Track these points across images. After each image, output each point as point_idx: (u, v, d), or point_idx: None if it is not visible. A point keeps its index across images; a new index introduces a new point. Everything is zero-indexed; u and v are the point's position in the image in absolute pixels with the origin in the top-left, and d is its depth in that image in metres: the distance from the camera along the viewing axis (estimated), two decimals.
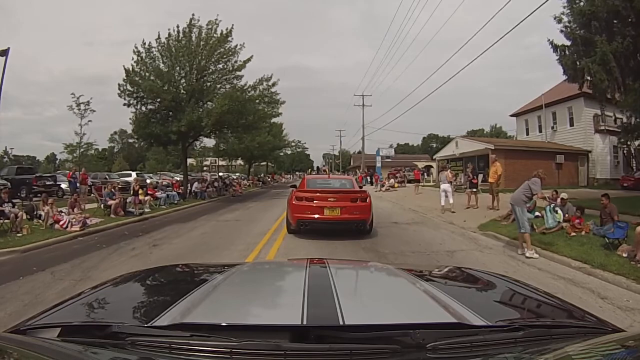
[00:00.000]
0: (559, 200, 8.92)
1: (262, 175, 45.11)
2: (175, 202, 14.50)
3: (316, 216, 7.36)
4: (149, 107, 17.52)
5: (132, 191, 12.27)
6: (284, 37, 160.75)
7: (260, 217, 11.11)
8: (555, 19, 11.28)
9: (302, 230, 7.54)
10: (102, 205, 11.60)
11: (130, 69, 17.04)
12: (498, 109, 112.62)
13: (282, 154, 51.45)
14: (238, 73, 16.59)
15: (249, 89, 16.69)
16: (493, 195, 11.21)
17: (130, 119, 17.53)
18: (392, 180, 21.91)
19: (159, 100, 16.40)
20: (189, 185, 18.29)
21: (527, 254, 6.00)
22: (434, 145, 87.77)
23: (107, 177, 27.27)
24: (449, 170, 16.15)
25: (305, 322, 0.87)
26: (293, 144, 48.05)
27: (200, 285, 1.21)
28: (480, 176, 17.10)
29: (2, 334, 0.93)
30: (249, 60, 17.34)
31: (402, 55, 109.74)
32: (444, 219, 9.94)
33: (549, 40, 10.27)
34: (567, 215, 7.93)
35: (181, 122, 15.06)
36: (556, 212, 7.46)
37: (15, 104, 72.72)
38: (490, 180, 11.24)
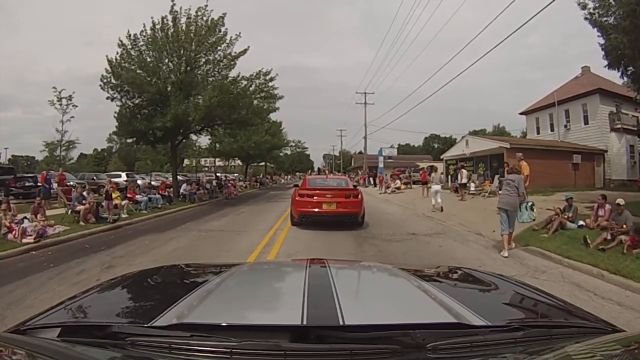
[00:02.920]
0: (607, 206, 7.46)
1: (260, 175, 43.17)
2: (159, 206, 12.94)
3: (316, 210, 8.31)
4: (134, 101, 16.08)
5: (104, 194, 10.71)
6: (284, 37, 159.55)
7: (251, 225, 9.62)
8: (579, 5, 10.03)
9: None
10: (69, 211, 10.09)
11: (114, 60, 15.61)
12: (500, 109, 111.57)
13: (281, 154, 49.81)
14: (231, 63, 15.03)
15: (243, 81, 15.09)
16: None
17: (115, 112, 16.02)
18: (397, 182, 20.31)
19: (143, 94, 14.92)
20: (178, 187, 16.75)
21: (504, 254, 6.02)
22: (436, 145, 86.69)
23: (94, 177, 25.80)
24: (463, 170, 14.78)
25: (305, 322, 0.87)
26: (293, 144, 46.41)
27: (200, 285, 1.20)
28: (496, 177, 15.68)
29: (2, 334, 0.93)
30: (244, 52, 15.87)
31: (403, 54, 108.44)
32: (469, 228, 8.45)
33: (590, 14, 8.75)
34: (625, 225, 6.46)
35: (166, 117, 13.53)
36: (532, 209, 7.33)
37: (15, 103, 71.88)
38: None
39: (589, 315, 1.12)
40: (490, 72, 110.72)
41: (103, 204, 10.40)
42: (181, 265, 1.76)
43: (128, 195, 12.24)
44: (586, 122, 23.22)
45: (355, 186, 10.05)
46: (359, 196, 8.67)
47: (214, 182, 20.00)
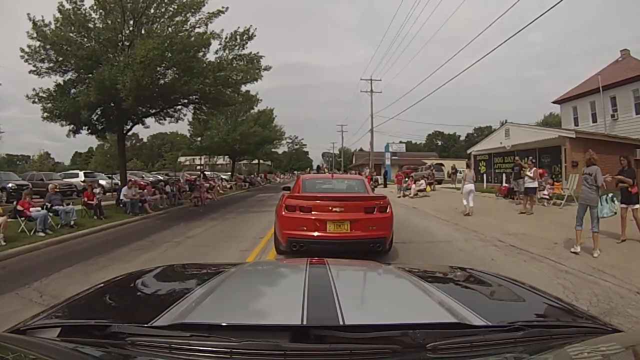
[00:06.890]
0: None
1: (253, 174, 38.14)
2: (72, 223, 8.40)
3: (315, 234, 5.20)
4: (68, 76, 11.59)
5: None
6: (284, 35, 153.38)
7: None
8: None
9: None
10: None
11: (41, 22, 11.12)
12: (504, 107, 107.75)
13: (280, 152, 45.08)
14: (190, 12, 10.49)
15: (209, 38, 10.41)
16: None
17: (36, 88, 11.49)
18: (422, 183, 15.74)
19: (70, 60, 10.46)
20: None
21: (595, 254, 5.46)
22: (439, 142, 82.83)
23: (43, 178, 21.16)
24: (533, 167, 10.02)
25: (305, 322, 0.85)
26: (289, 139, 41.66)
27: (200, 285, 1.19)
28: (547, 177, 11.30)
29: (2, 334, 0.91)
30: (220, 12, 11.34)
31: (404, 50, 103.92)
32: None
33: None
34: None
35: (90, 89, 9.04)
36: (613, 201, 6.24)
37: (13, 102, 68.82)
38: None
39: (589, 315, 1.11)
40: (492, 70, 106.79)
41: None
42: (181, 265, 1.74)
43: (19, 207, 7.77)
44: (638, 112, 19.25)
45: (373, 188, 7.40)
46: (388, 209, 5.49)
47: (176, 185, 15.09)
